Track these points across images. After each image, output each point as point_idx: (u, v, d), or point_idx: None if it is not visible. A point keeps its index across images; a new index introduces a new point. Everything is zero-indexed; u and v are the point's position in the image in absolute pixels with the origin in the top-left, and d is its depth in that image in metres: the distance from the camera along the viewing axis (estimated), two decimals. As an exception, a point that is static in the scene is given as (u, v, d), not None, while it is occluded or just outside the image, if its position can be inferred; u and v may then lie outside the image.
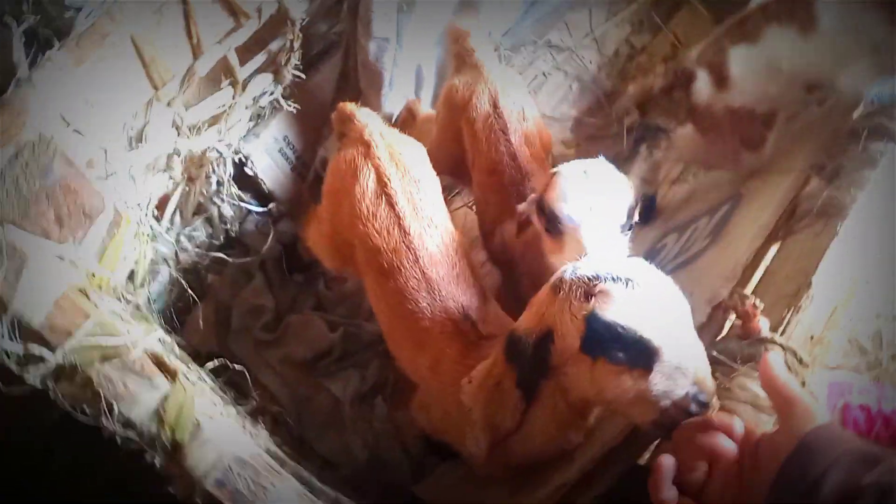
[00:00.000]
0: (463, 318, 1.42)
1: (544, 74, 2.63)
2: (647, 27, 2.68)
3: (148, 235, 1.70)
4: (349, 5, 1.82)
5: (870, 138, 1.47)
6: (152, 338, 1.26)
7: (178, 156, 1.71)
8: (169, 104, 1.60)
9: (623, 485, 1.27)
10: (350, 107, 1.63)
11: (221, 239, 2.18)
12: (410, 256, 1.44)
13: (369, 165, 1.49)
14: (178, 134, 1.69)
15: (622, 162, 2.46)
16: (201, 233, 2.13)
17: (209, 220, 2.15)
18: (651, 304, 1.03)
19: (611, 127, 2.54)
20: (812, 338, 1.29)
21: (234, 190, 2.13)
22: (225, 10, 1.47)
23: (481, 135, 1.76)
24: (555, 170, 1.48)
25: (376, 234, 1.45)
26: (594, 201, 1.37)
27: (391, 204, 1.45)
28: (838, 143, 1.57)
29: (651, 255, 2.19)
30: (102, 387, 1.11)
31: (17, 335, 1.11)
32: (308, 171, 2.27)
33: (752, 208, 1.81)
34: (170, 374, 1.17)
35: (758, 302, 1.30)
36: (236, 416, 1.27)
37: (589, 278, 1.06)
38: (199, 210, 2.10)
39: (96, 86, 1.29)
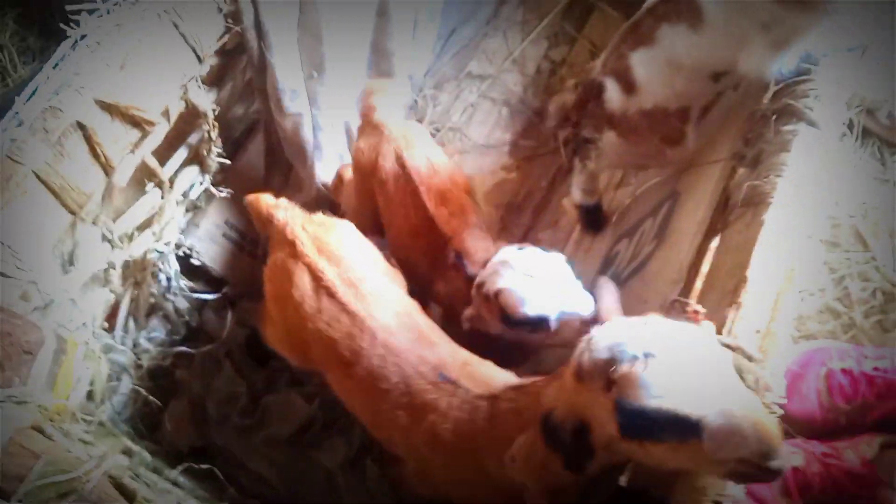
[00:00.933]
0: (440, 379, 1.38)
1: (472, 105, 2.65)
2: (563, 39, 2.71)
3: (101, 351, 1.69)
4: (257, 87, 1.83)
5: (780, 121, 1.49)
6: (110, 461, 1.25)
7: (114, 268, 1.70)
8: (94, 222, 1.59)
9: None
10: (265, 206, 1.62)
11: (182, 333, 2.18)
12: (366, 338, 1.42)
13: (300, 265, 1.47)
14: (112, 247, 1.69)
15: (564, 176, 2.48)
16: (160, 332, 2.13)
17: (166, 317, 2.15)
18: (678, 371, 0.98)
19: (547, 144, 2.56)
20: (758, 332, 1.29)
21: (185, 283, 2.14)
22: (128, 123, 1.47)
23: (395, 198, 1.75)
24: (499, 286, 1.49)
25: (327, 328, 1.43)
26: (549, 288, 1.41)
27: (331, 295, 1.44)
28: (754, 129, 1.59)
29: (607, 264, 2.20)
30: (61, 525, 1.10)
31: (-32, 492, 1.10)
32: (257, 247, 2.28)
33: (688, 204, 1.83)
34: (128, 497, 1.16)
35: (698, 307, 1.31)
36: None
37: (605, 363, 1.03)
38: (155, 309, 2.10)
39: (11, 226, 1.29)
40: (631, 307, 1.79)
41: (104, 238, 1.66)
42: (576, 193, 2.26)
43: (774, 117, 1.49)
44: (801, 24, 1.50)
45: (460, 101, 2.65)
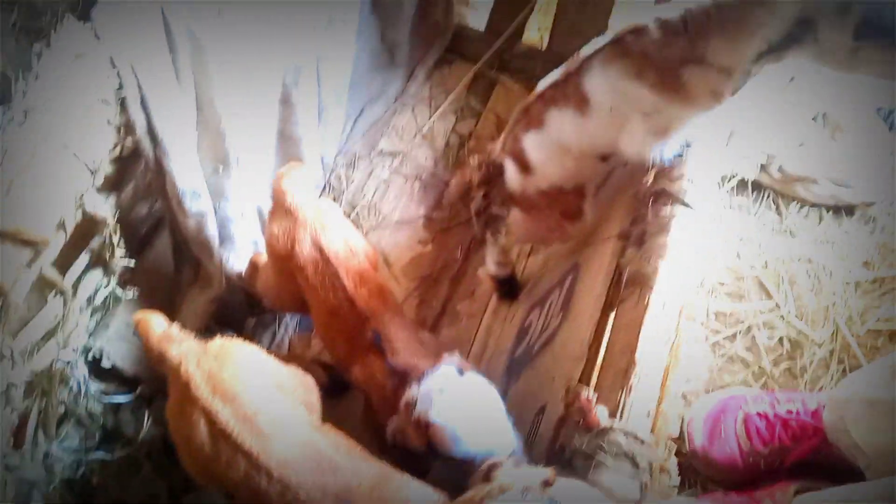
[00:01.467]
0: None
1: (385, 182, 2.70)
2: (469, 113, 2.81)
3: (5, 475, 1.64)
4: (157, 190, 1.84)
5: (657, 203, 1.57)
6: None
7: (17, 387, 1.66)
8: (-11, 344, 1.57)
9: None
10: (156, 339, 1.56)
11: (98, 437, 2.13)
12: (264, 477, 1.37)
13: (196, 409, 1.42)
14: (12, 367, 1.65)
15: (478, 246, 2.54)
16: (74, 439, 2.08)
17: (80, 422, 2.10)
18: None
19: (460, 215, 2.62)
20: (648, 414, 1.35)
21: (97, 386, 2.10)
22: (19, 245, 1.46)
23: (314, 281, 1.76)
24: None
25: (227, 471, 1.40)
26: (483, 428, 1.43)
27: (226, 437, 1.39)
28: (638, 210, 1.67)
29: (521, 336, 2.25)
30: None
31: None
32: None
33: (587, 279, 1.90)
34: None
35: (590, 394, 1.36)
36: None
37: None
38: (67, 416, 2.05)
39: None
40: (541, 385, 1.85)
41: (2, 357, 1.63)
42: (490, 266, 2.32)
43: (651, 200, 1.57)
44: (681, 115, 1.59)
45: (373, 179, 2.70)
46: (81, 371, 1.99)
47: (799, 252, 2.68)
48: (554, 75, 1.81)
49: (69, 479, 2.02)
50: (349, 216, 2.59)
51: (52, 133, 1.45)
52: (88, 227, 1.74)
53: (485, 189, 2.07)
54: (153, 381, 2.21)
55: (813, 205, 2.75)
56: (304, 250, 1.78)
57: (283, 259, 1.82)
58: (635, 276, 1.52)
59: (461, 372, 1.51)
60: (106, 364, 2.08)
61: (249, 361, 1.55)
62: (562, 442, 1.49)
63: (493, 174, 2.02)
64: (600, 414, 1.33)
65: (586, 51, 1.67)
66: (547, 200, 1.93)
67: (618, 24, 2.62)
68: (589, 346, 1.67)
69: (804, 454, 2.02)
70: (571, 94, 1.74)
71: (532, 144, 1.87)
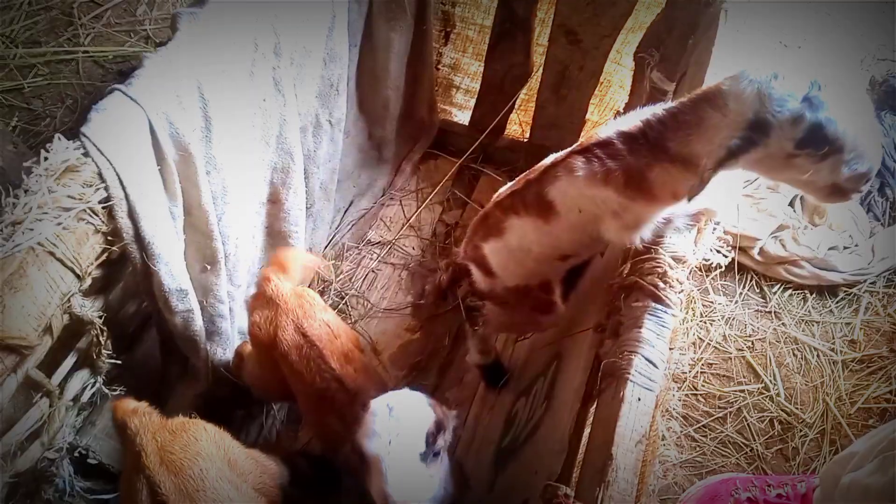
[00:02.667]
0: None
1: (374, 271, 2.75)
2: (455, 203, 2.88)
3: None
4: (144, 291, 1.88)
5: (630, 297, 1.61)
6: None
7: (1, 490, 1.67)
8: (-28, 448, 1.58)
9: None
10: (122, 411, 1.64)
11: (81, 537, 2.11)
12: None
13: (142, 478, 1.50)
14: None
15: (464, 335, 2.57)
16: (59, 539, 2.05)
17: (63, 523, 2.08)
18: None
19: (447, 303, 2.66)
20: (625, 511, 1.34)
21: (82, 484, 2.08)
22: (4, 351, 1.49)
23: (300, 367, 1.79)
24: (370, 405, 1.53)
25: None
26: (395, 436, 1.42)
27: None
28: (612, 302, 1.70)
29: (508, 425, 2.25)
30: None
31: None
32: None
33: (568, 370, 1.92)
34: None
35: (568, 491, 1.36)
36: None
37: None
38: (50, 516, 2.03)
39: None
40: (525, 479, 1.84)
41: (-14, 460, 1.64)
42: (473, 355, 2.34)
43: (624, 294, 1.60)
44: (647, 212, 1.64)
45: (362, 268, 2.75)
46: (67, 469, 1.99)
47: (784, 333, 2.71)
48: (511, 184, 1.87)
49: (50, 582, 2.00)
50: (337, 306, 2.63)
51: (40, 244, 1.50)
52: (76, 328, 1.77)
53: (455, 288, 2.13)
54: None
55: (798, 287, 2.79)
56: (287, 336, 1.81)
57: (267, 347, 1.85)
58: (611, 369, 1.54)
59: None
60: (92, 461, 2.08)
61: (204, 437, 1.62)
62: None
63: (461, 276, 2.08)
64: (576, 511, 1.33)
65: (547, 160, 1.74)
66: (515, 297, 1.97)
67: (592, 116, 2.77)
68: (569, 440, 1.67)
69: None
70: (532, 201, 1.78)
71: (492, 251, 1.92)
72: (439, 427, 1.46)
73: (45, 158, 1.55)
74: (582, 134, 2.72)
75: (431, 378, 2.55)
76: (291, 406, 2.25)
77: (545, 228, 1.75)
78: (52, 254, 1.53)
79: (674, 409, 1.49)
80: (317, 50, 2.16)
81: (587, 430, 1.65)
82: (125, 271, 1.91)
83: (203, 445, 1.59)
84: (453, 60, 2.80)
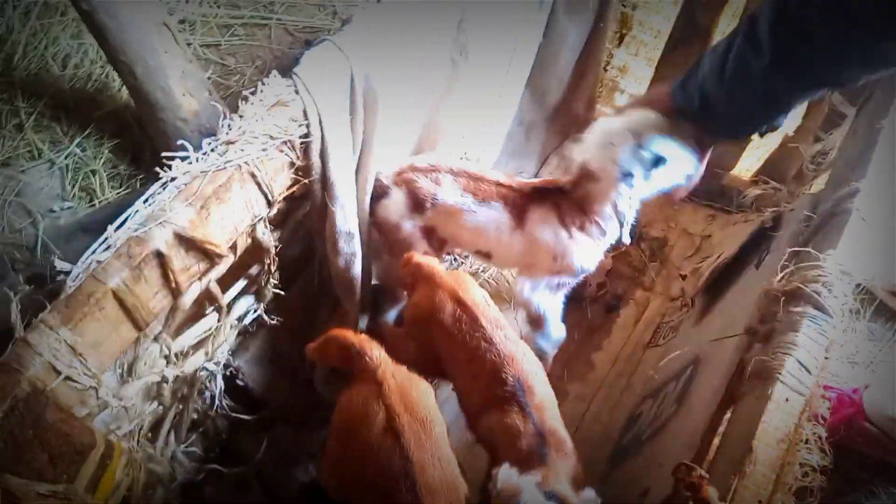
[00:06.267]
0: None
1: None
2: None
3: (141, 460, 1.80)
4: (316, 230, 2.03)
5: (789, 302, 1.60)
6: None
7: (167, 383, 1.84)
8: (156, 339, 1.76)
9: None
10: (358, 340, 1.73)
11: (217, 451, 2.28)
12: (408, 483, 1.51)
13: (380, 404, 1.59)
14: (167, 363, 1.84)
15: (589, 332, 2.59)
16: (197, 447, 2.23)
17: (205, 434, 2.26)
18: None
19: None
20: (760, 502, 1.34)
21: (227, 402, 2.26)
22: (200, 255, 1.66)
23: (453, 330, 1.87)
24: None
25: (379, 462, 1.54)
26: None
27: (397, 436, 1.55)
28: (768, 308, 1.70)
29: (631, 423, 2.26)
30: None
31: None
32: (297, 375, 2.41)
33: (707, 373, 1.91)
34: None
35: (703, 472, 1.37)
36: None
37: None
38: (194, 425, 2.21)
39: (84, 338, 1.45)
40: (647, 470, 1.85)
41: (162, 354, 1.82)
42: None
43: (783, 298, 1.60)
44: None
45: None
46: (219, 385, 2.16)
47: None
48: None
49: (186, 484, 2.17)
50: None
51: (245, 163, 1.66)
52: (253, 253, 1.95)
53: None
54: (276, 409, 2.36)
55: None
56: (446, 307, 1.89)
57: (425, 322, 1.94)
58: (761, 369, 1.53)
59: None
60: (240, 382, 2.25)
61: (432, 396, 1.71)
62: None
63: None
64: (710, 492, 1.34)
65: None
66: None
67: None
68: (702, 438, 1.67)
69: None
70: None
71: None
72: None
73: (261, 91, 1.72)
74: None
75: (556, 370, 2.58)
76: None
77: None
78: (253, 176, 1.69)
79: (822, 415, 1.46)
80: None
81: (722, 429, 1.66)
82: (300, 211, 2.08)
83: (432, 402, 1.70)
84: (623, 63, 2.83)
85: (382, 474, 1.53)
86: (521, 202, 2.10)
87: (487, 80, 2.36)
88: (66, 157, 2.82)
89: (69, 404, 1.49)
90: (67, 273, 1.46)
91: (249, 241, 1.88)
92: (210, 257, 1.70)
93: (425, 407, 1.65)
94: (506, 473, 1.53)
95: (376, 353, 1.70)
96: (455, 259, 2.75)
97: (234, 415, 2.28)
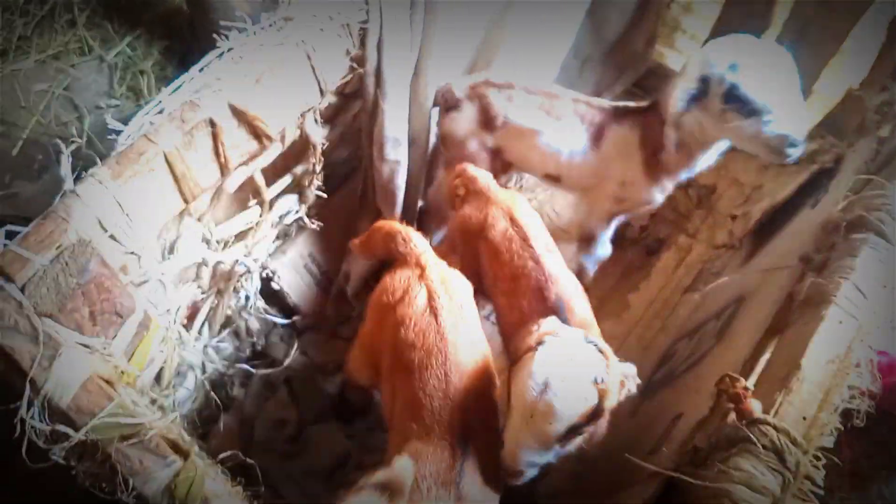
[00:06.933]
0: (460, 443, 1.47)
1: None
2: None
3: (175, 341, 1.80)
4: (365, 131, 2.00)
5: (850, 230, 1.54)
6: (169, 419, 1.34)
7: (207, 266, 1.84)
8: (199, 219, 1.75)
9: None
10: (404, 230, 1.75)
11: (247, 352, 2.30)
12: (440, 358, 1.54)
13: (422, 285, 1.63)
14: (208, 247, 1.83)
15: (626, 272, 2.55)
16: (228, 345, 2.25)
17: (236, 333, 2.27)
18: None
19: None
20: (805, 419, 1.31)
21: (261, 304, 2.27)
22: (250, 133, 1.64)
23: (501, 247, 1.84)
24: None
25: (414, 335, 1.57)
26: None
27: (435, 315, 1.58)
28: (826, 238, 1.64)
29: (663, 361, 2.22)
30: (120, 463, 1.18)
31: (47, 416, 1.20)
32: (331, 284, 2.40)
33: (752, 307, 1.87)
34: (183, 454, 1.24)
35: (747, 384, 1.34)
36: (245, 498, 1.31)
37: None
38: (227, 323, 2.22)
39: (132, 198, 1.44)
40: (681, 398, 1.82)
41: (203, 238, 1.81)
42: None
43: (845, 225, 1.54)
44: None
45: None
46: (254, 284, 2.17)
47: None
48: None
49: (215, 379, 2.19)
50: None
51: (303, 41, 1.63)
52: (301, 147, 1.93)
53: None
54: (308, 317, 2.37)
55: None
56: (497, 223, 1.86)
57: (474, 235, 1.91)
58: (813, 294, 1.49)
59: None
60: (275, 286, 2.25)
61: (468, 287, 1.74)
62: (695, 444, 1.47)
63: None
64: (754, 404, 1.31)
65: None
66: None
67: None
68: (744, 364, 1.64)
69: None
70: None
71: None
72: (595, 415, 1.37)
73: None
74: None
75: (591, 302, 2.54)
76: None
77: None
78: (309, 58, 1.66)
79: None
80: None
81: (766, 357, 1.61)
82: (350, 111, 2.05)
83: (469, 295, 1.73)
84: (688, 1, 2.73)
85: (416, 348, 1.54)
86: (600, 120, 2.05)
87: (548, 2, 2.29)
88: (115, 55, 2.81)
89: (114, 266, 1.49)
90: (119, 132, 1.45)
91: (298, 133, 1.86)
92: (259, 138, 1.68)
93: (462, 295, 1.67)
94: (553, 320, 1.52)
95: (421, 241, 1.72)
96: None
97: (267, 316, 2.29)
